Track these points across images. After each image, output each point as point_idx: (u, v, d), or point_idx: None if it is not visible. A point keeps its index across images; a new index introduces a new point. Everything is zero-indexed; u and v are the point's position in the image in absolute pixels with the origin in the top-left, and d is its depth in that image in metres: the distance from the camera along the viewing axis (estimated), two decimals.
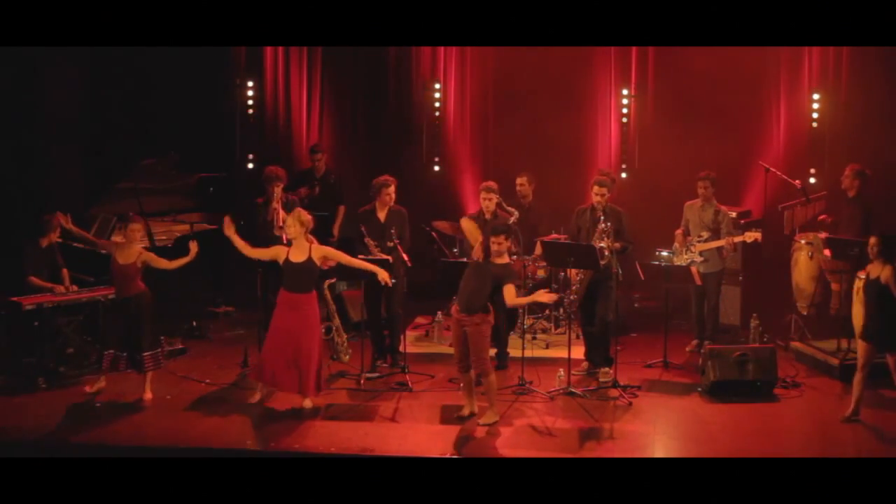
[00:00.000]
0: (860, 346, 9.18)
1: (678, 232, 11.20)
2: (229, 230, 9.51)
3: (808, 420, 9.38)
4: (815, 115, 13.19)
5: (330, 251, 9.63)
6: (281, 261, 9.45)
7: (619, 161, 13.74)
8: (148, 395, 9.80)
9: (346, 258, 9.65)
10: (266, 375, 9.46)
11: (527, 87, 13.71)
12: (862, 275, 10.48)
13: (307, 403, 9.52)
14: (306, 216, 9.50)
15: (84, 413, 9.48)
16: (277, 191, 10.82)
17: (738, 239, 11.06)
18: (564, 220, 11.23)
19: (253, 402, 9.63)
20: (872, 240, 9.13)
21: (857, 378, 9.18)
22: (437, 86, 14.09)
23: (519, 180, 11.87)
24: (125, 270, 9.81)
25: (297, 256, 9.42)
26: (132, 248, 9.88)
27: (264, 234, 10.76)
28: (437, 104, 14.11)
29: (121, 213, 11.79)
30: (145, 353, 9.79)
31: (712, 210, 11.15)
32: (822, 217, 11.59)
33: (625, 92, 13.76)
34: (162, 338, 10.29)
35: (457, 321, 9.22)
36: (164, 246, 11.55)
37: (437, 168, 14.22)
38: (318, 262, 9.47)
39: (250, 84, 14.21)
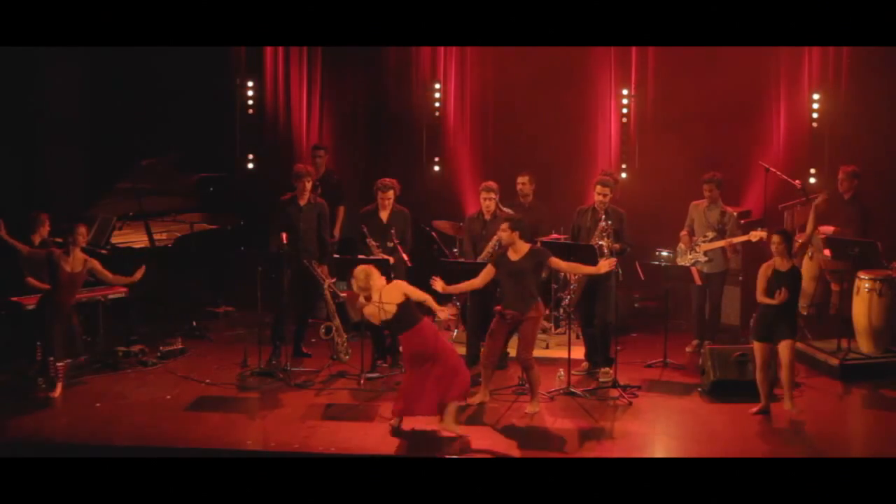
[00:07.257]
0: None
1: (683, 233, 11.18)
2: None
3: (808, 420, 9.38)
4: (815, 115, 13.18)
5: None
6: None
7: (619, 161, 13.72)
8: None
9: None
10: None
11: (527, 87, 13.68)
12: (863, 275, 10.51)
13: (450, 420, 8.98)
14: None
15: (84, 413, 9.48)
16: (308, 186, 10.86)
17: (738, 239, 11.04)
18: (565, 220, 11.23)
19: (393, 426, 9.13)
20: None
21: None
22: (437, 86, 14.08)
23: (520, 179, 11.83)
24: (75, 278, 9.78)
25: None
26: (78, 255, 9.81)
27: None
28: (437, 104, 14.10)
29: (121, 213, 11.83)
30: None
31: (718, 211, 11.14)
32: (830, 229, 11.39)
33: (625, 92, 13.75)
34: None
35: (511, 317, 9.35)
36: (163, 246, 11.56)
37: (437, 168, 14.21)
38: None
39: (250, 84, 14.20)
